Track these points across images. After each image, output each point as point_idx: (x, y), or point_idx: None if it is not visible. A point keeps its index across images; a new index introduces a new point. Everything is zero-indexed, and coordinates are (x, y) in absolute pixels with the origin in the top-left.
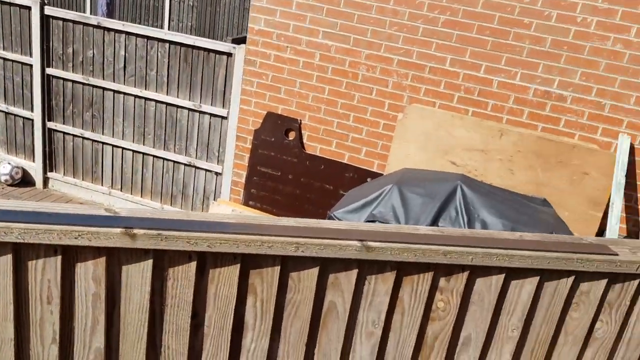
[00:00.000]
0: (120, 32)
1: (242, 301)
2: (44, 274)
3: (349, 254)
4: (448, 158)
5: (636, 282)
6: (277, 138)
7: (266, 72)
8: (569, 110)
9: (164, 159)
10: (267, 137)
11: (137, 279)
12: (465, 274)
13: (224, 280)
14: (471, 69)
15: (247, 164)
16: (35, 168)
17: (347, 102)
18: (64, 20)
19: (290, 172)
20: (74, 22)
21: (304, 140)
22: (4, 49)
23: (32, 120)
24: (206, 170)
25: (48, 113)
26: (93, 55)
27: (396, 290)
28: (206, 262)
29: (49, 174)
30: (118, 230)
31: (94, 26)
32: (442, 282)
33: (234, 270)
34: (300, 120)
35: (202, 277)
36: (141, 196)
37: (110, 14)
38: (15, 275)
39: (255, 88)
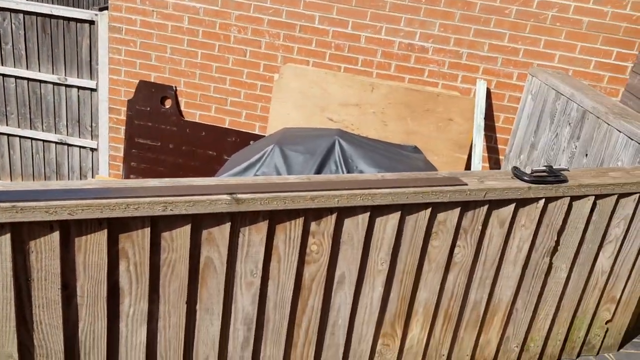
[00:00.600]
0: None
1: (114, 267)
2: None
3: (219, 207)
4: (325, 115)
5: (485, 207)
6: (152, 107)
7: (133, 38)
8: (431, 60)
9: (32, 138)
10: (142, 106)
11: None
12: (334, 216)
13: (91, 248)
14: (339, 25)
15: (124, 137)
16: None
17: (221, 66)
18: None
19: (171, 141)
20: None
21: (182, 108)
22: None
23: None
24: (80, 147)
25: None
26: None
27: (270, 239)
28: (70, 230)
29: None
30: None
31: None
32: (313, 226)
33: (102, 237)
34: (176, 87)
35: (67, 246)
36: (11, 180)
37: None
38: None
39: (123, 56)
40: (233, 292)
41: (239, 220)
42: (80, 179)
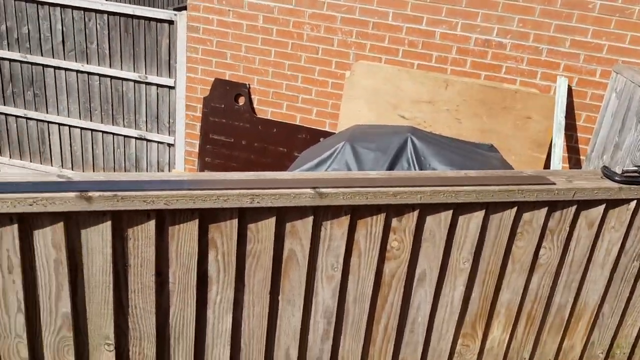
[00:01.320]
0: (54, 5)
1: (204, 256)
2: (2, 244)
3: (303, 201)
4: (397, 112)
5: (573, 208)
6: (227, 104)
7: (210, 37)
8: (509, 57)
9: (113, 134)
10: (217, 104)
11: (97, 241)
12: (416, 213)
13: (184, 237)
14: (413, 22)
15: (199, 133)
16: None
17: (294, 63)
18: None
19: (243, 138)
20: None
21: (255, 105)
22: None
23: None
24: (158, 142)
25: None
26: (29, 32)
27: (352, 233)
28: (165, 220)
29: None
30: (73, 194)
31: (26, 0)
32: (395, 222)
33: (193, 226)
34: (249, 85)
35: (162, 235)
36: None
37: None
38: None
39: (200, 55)
40: (314, 285)
41: (321, 214)
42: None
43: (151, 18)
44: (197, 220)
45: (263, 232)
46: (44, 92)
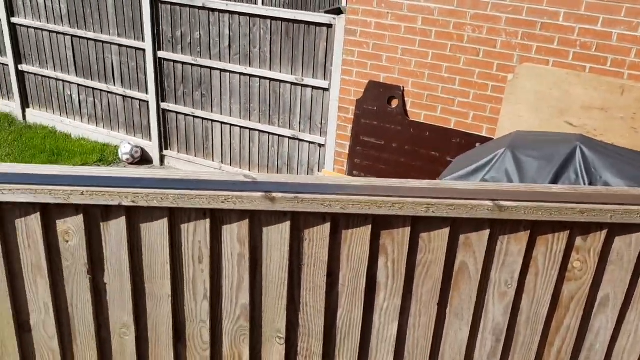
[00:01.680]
0: (224, 11)
1: (374, 261)
2: (195, 236)
3: (480, 213)
4: (564, 119)
5: None
6: (379, 107)
7: (367, 40)
8: None
9: (269, 133)
10: (369, 106)
11: (276, 239)
12: (604, 233)
13: (356, 241)
14: (587, 22)
15: (350, 135)
16: (152, 147)
17: (452, 66)
18: (172, 4)
19: (395, 141)
20: (181, 5)
21: (408, 108)
22: (118, 35)
23: (147, 102)
24: (309, 142)
25: (161, 94)
26: (200, 37)
27: (530, 250)
28: (339, 223)
29: (165, 152)
30: (259, 194)
31: (199, 8)
32: (579, 241)
33: (366, 231)
34: (403, 87)
35: (335, 237)
36: (249, 169)
37: None
38: (171, 237)
39: (356, 58)
40: (485, 300)
41: (498, 227)
42: (308, 172)
43: (311, 22)
44: (370, 226)
45: (435, 242)
46: (210, 93)
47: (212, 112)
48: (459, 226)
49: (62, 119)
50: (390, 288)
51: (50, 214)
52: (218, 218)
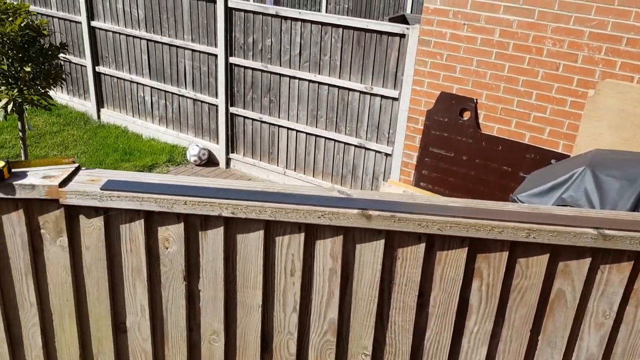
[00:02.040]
0: (297, 19)
1: (467, 284)
2: (289, 249)
3: (583, 241)
4: None
5: None
6: (451, 118)
7: (441, 51)
8: None
9: (335, 140)
10: (440, 117)
11: (369, 257)
12: None
13: (450, 263)
14: None
15: (418, 145)
16: (219, 149)
17: (529, 79)
18: (245, 11)
19: (465, 153)
20: (254, 12)
21: (480, 120)
22: (192, 40)
23: (217, 106)
24: (376, 151)
25: (230, 99)
26: (271, 44)
27: (632, 281)
28: (434, 244)
29: (231, 155)
30: (355, 211)
31: (272, 16)
32: None
33: (461, 254)
34: (477, 100)
35: (429, 258)
36: (313, 176)
37: (277, 2)
38: (265, 248)
39: (428, 68)
40: (580, 329)
41: (600, 256)
42: (373, 181)
43: (383, 32)
44: (466, 249)
45: (533, 268)
46: (278, 99)
47: (279, 117)
48: (558, 253)
49: (134, 119)
50: (482, 312)
51: (153, 221)
52: (312, 232)
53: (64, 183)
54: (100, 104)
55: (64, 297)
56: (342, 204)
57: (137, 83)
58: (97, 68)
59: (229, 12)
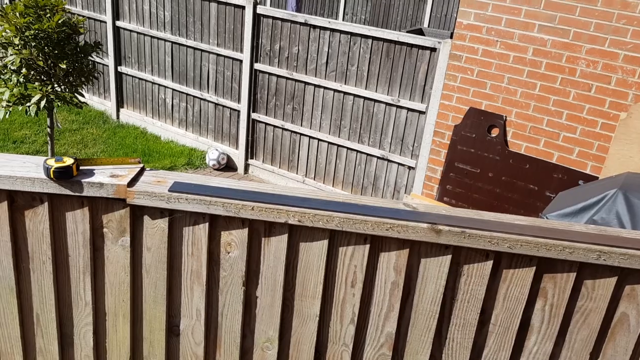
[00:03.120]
0: (326, 29)
1: (530, 303)
2: (352, 260)
3: None
4: None
5: None
6: (478, 134)
7: (472, 67)
8: None
9: (357, 151)
10: (467, 133)
11: (433, 272)
12: None
13: (516, 281)
14: None
15: (443, 160)
16: (238, 155)
17: (560, 99)
18: (274, 18)
19: (491, 170)
20: (282, 20)
21: (508, 138)
22: (218, 45)
23: (239, 111)
24: (399, 164)
25: (253, 105)
26: (298, 52)
27: None
28: (501, 262)
29: (250, 161)
30: (425, 225)
31: (301, 24)
32: None
33: (529, 273)
34: (506, 117)
35: (494, 276)
36: (333, 185)
37: (299, 10)
38: (328, 259)
39: (458, 83)
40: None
41: None
42: (394, 194)
43: (414, 45)
44: (534, 268)
45: (599, 290)
46: (301, 107)
47: (301, 125)
48: (625, 276)
49: (153, 120)
50: (543, 332)
51: (217, 225)
52: (377, 245)
53: (132, 183)
54: (120, 103)
55: (120, 298)
56: (411, 217)
57: (159, 85)
58: (119, 68)
59: (257, 18)
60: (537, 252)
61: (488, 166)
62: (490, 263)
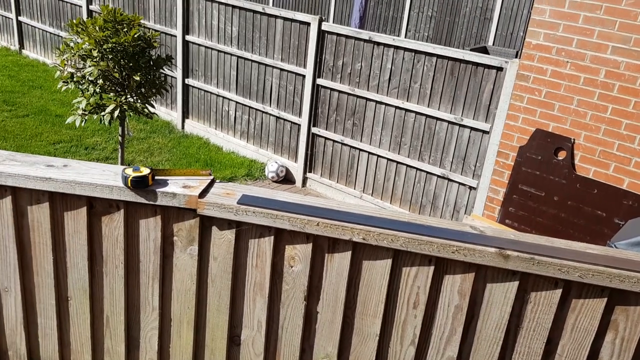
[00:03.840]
0: (390, 46)
1: (600, 335)
2: (415, 281)
3: None
4: None
5: None
6: (544, 157)
7: (539, 87)
8: None
9: (417, 169)
10: (533, 154)
11: (499, 297)
12: None
13: (585, 312)
14: None
15: (507, 181)
16: (296, 168)
17: (633, 123)
18: (338, 35)
19: (557, 194)
20: (346, 36)
21: (576, 161)
22: (282, 60)
23: (299, 125)
24: (460, 183)
25: (313, 119)
26: (361, 68)
27: None
28: (570, 291)
29: (308, 174)
30: (492, 250)
31: (365, 40)
32: None
33: (600, 304)
34: (574, 140)
35: (562, 305)
36: (390, 202)
37: (362, 26)
38: (390, 278)
39: (524, 104)
40: None
41: None
42: (453, 214)
43: (479, 64)
44: (605, 299)
45: None
46: (361, 123)
47: (361, 141)
48: None
49: (216, 132)
50: None
51: (281, 238)
52: (441, 267)
53: (202, 194)
54: (185, 114)
55: (185, 305)
56: (478, 240)
57: (223, 97)
58: (186, 80)
59: (321, 34)
60: (609, 282)
61: (553, 189)
62: (559, 292)
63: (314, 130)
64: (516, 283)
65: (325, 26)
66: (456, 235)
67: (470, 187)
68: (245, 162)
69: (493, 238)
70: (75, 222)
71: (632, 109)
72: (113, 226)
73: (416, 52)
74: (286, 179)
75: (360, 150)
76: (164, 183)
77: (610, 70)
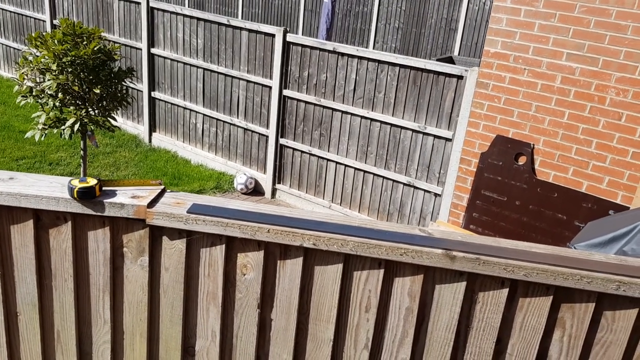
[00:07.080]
0: (354, 56)
1: (548, 333)
2: (366, 284)
3: None
4: None
5: None
6: (505, 162)
7: (499, 94)
8: None
9: (383, 177)
10: (494, 160)
11: (448, 298)
12: None
13: (532, 310)
14: None
15: (470, 187)
16: (265, 179)
17: (589, 128)
18: (303, 46)
19: (518, 198)
20: (311, 47)
21: (536, 166)
22: (248, 72)
23: (267, 136)
24: (425, 190)
25: (281, 130)
26: (326, 78)
27: None
28: (517, 290)
29: (277, 186)
30: (439, 251)
31: (329, 51)
32: None
33: (546, 302)
34: (534, 145)
35: (510, 304)
36: (359, 211)
37: (329, 38)
38: (342, 283)
39: (485, 111)
40: None
41: None
42: (419, 221)
43: (441, 72)
44: (551, 297)
45: (620, 322)
46: (328, 133)
47: (328, 151)
48: None
49: (184, 145)
50: None
51: (233, 247)
52: (391, 270)
53: (152, 204)
54: (152, 128)
55: (138, 317)
56: (426, 242)
57: (190, 110)
58: (152, 93)
59: (286, 46)
60: (553, 280)
61: (515, 194)
62: (505, 291)
63: (282, 141)
64: (464, 283)
65: (290, 37)
66: (404, 238)
67: (436, 194)
68: (214, 174)
69: (440, 240)
70: (22, 235)
71: (587, 114)
72: (61, 239)
73: (379, 62)
74: (255, 190)
75: (328, 160)
76: (112, 194)
77: (566, 76)
